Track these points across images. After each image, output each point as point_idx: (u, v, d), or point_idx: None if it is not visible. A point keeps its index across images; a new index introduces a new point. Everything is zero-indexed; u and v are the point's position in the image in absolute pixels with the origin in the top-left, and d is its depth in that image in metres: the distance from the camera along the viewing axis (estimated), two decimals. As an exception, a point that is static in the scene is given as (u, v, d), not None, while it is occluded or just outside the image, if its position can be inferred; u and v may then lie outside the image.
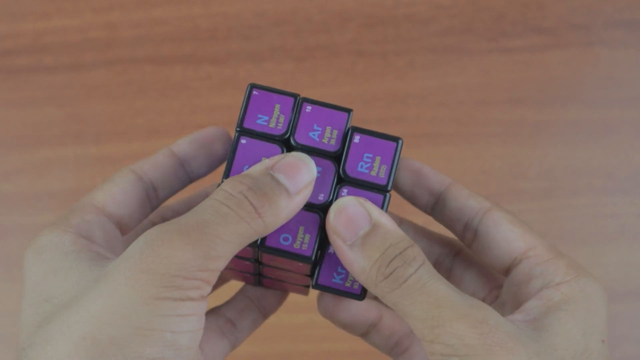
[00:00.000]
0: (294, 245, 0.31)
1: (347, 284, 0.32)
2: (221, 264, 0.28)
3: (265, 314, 0.37)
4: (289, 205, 0.30)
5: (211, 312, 0.36)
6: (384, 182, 0.33)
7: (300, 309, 0.59)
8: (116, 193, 0.33)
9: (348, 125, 0.33)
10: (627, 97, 0.63)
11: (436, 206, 0.36)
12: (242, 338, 0.36)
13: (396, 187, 0.36)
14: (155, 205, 0.35)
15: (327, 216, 0.31)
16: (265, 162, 0.30)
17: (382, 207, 0.32)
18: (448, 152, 0.62)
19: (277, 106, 0.32)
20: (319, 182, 0.32)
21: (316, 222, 0.31)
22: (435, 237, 0.37)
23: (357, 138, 0.33)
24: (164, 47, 0.64)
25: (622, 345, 0.59)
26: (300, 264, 0.31)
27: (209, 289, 0.28)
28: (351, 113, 0.33)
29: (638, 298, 0.60)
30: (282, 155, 0.31)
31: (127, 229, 0.34)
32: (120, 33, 0.65)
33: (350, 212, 0.31)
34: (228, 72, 0.64)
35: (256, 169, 0.30)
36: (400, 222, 0.37)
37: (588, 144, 0.62)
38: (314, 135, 0.32)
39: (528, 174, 0.62)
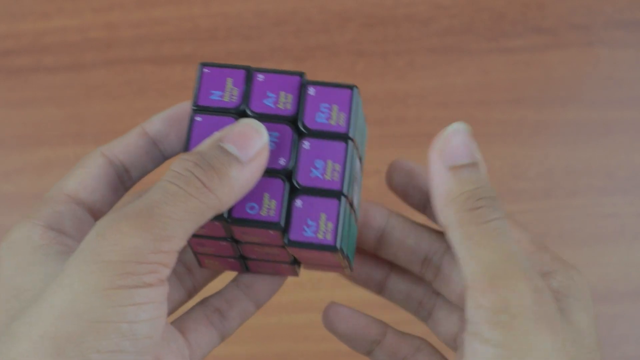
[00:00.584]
0: (261, 213, 0.31)
1: (320, 236, 0.31)
2: (175, 244, 0.28)
3: (257, 303, 0.36)
4: (243, 175, 0.29)
5: (199, 303, 0.35)
6: (344, 130, 0.32)
7: (300, 309, 0.59)
8: (87, 179, 0.32)
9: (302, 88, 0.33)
10: (627, 97, 0.63)
11: (428, 204, 0.36)
12: (232, 328, 0.35)
13: (390, 188, 0.36)
14: (129, 186, 0.34)
15: (438, 135, 0.31)
16: (215, 135, 0.30)
17: (345, 156, 0.32)
18: (448, 152, 0.62)
19: (230, 80, 0.32)
20: (278, 147, 0.31)
21: (281, 187, 0.31)
22: (425, 233, 0.37)
23: (311, 90, 0.32)
24: (164, 47, 0.64)
25: (622, 345, 0.59)
26: (271, 232, 0.31)
27: (167, 271, 0.28)
28: (304, 76, 0.33)
29: (638, 298, 0.60)
30: (231, 125, 0.30)
31: (100, 214, 0.33)
32: (120, 33, 0.65)
33: (459, 139, 0.31)
34: (228, 72, 0.64)
35: (205, 143, 0.30)
36: (390, 215, 0.36)
37: (588, 144, 0.63)
38: (269, 102, 0.32)
39: (528, 174, 0.62)
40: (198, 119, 0.32)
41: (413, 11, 0.65)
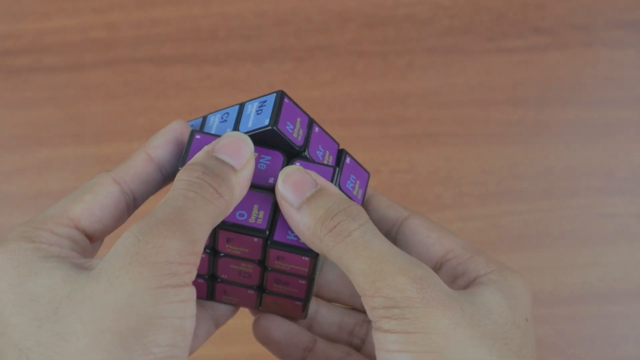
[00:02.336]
0: (249, 220, 0.33)
1: (302, 241, 0.33)
2: (202, 246, 0.30)
3: (217, 323, 0.38)
4: (239, 181, 0.31)
5: None
6: (359, 202, 0.35)
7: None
8: (95, 208, 0.33)
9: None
10: (627, 97, 0.63)
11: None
12: (195, 347, 0.37)
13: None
14: (130, 214, 0.35)
15: (276, 184, 0.32)
16: (205, 148, 0.32)
17: (332, 180, 0.34)
18: (448, 152, 0.62)
19: (299, 120, 0.34)
20: (268, 169, 0.34)
21: (269, 201, 0.33)
22: (348, 313, 0.39)
23: (348, 160, 0.36)
24: (164, 47, 0.64)
25: (622, 345, 0.59)
26: (255, 239, 0.33)
27: (195, 272, 0.30)
28: (339, 146, 0.37)
29: (638, 298, 0.60)
30: (219, 138, 0.32)
31: (96, 240, 0.34)
32: (121, 33, 0.65)
33: (297, 177, 0.32)
34: (228, 72, 0.64)
35: (199, 155, 0.32)
36: (317, 303, 0.39)
37: (588, 144, 0.63)
38: (319, 154, 0.35)
39: (528, 174, 0.62)
40: (197, 137, 0.34)
41: (413, 11, 0.65)
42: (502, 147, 0.62)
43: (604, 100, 0.63)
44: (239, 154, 0.32)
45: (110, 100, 0.63)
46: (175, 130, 0.35)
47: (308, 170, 0.32)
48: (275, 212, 0.33)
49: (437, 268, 0.35)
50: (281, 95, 0.34)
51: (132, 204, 0.35)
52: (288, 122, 0.34)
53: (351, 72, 0.64)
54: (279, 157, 0.34)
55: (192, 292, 0.29)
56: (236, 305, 0.38)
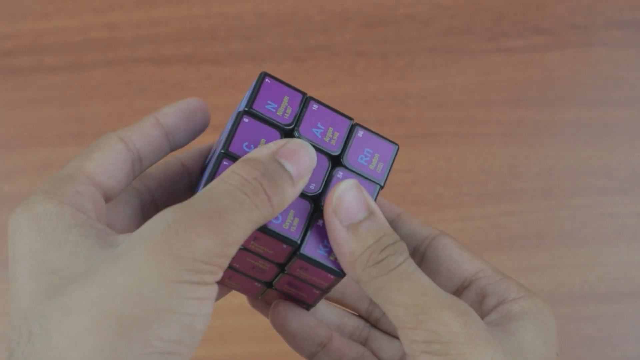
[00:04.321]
0: (283, 226, 0.32)
1: (332, 258, 0.32)
2: (235, 250, 0.29)
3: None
4: (292, 192, 0.31)
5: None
6: (379, 177, 0.34)
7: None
8: (106, 164, 0.32)
9: (349, 131, 0.34)
10: (627, 97, 0.64)
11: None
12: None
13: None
14: (137, 174, 0.35)
15: (329, 195, 0.32)
16: (271, 147, 0.31)
17: (372, 194, 0.33)
18: (448, 152, 0.62)
19: (286, 98, 0.33)
20: (312, 173, 0.33)
21: (307, 209, 0.32)
22: None
23: (360, 133, 0.34)
24: (164, 47, 0.64)
25: (622, 345, 0.59)
26: (284, 246, 0.32)
27: (222, 273, 0.29)
28: (353, 121, 0.35)
29: (638, 298, 0.60)
30: (285, 141, 0.31)
31: (110, 198, 0.33)
32: (121, 33, 0.65)
33: (352, 195, 0.31)
34: (228, 72, 0.64)
35: (262, 153, 0.31)
36: None
37: (588, 144, 0.63)
38: (317, 132, 0.33)
39: (528, 174, 0.62)
40: (246, 120, 0.33)
41: (413, 11, 0.65)
42: (502, 147, 0.62)
43: (604, 100, 0.63)
44: (301, 165, 0.31)
45: (110, 100, 0.63)
46: (190, 103, 0.35)
47: (362, 187, 0.32)
48: (310, 222, 0.32)
49: (465, 285, 0.35)
50: (261, 76, 0.33)
51: (137, 163, 0.34)
52: (269, 102, 0.33)
53: (351, 72, 0.64)
54: (324, 160, 0.33)
55: (212, 290, 0.28)
56: (236, 291, 0.37)
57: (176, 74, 0.64)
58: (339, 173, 0.33)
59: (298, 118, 0.33)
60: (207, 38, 0.64)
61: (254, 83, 0.33)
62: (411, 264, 0.31)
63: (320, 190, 0.33)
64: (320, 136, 0.33)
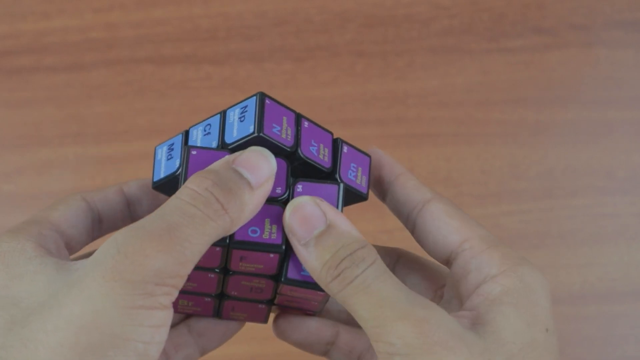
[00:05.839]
0: (263, 236, 0.31)
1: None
2: (189, 269, 0.28)
3: (202, 351, 0.37)
4: (252, 199, 0.30)
5: None
6: (364, 190, 0.34)
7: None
8: (69, 215, 0.34)
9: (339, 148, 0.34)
10: (627, 97, 0.63)
11: (387, 196, 0.36)
12: None
13: None
14: (98, 236, 0.36)
15: (284, 214, 0.31)
16: (226, 157, 0.31)
17: (337, 198, 0.33)
18: (448, 152, 0.62)
19: (284, 119, 0.33)
20: (274, 178, 0.32)
21: (280, 214, 0.32)
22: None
23: (345, 149, 0.34)
24: (164, 47, 0.64)
25: (622, 345, 0.59)
26: (271, 255, 0.32)
27: (176, 294, 0.28)
28: (333, 135, 0.34)
29: (638, 298, 0.60)
30: (242, 151, 0.31)
31: (72, 249, 0.34)
32: (121, 33, 0.65)
33: (306, 211, 0.31)
34: (228, 72, 0.64)
35: (218, 163, 0.30)
36: None
37: (588, 144, 0.63)
38: (313, 150, 0.33)
39: (528, 174, 0.62)
40: (193, 152, 0.32)
41: (413, 11, 0.65)
42: (502, 147, 0.62)
43: (604, 100, 0.63)
44: (259, 170, 0.30)
45: (110, 100, 0.63)
46: None
47: (318, 201, 0.31)
48: None
49: (452, 258, 0.33)
50: (261, 98, 0.32)
51: (97, 224, 0.35)
52: (274, 124, 0.32)
53: (351, 72, 0.64)
54: (283, 164, 0.33)
55: (166, 316, 0.28)
56: (244, 321, 0.37)
57: (176, 74, 0.64)
58: (298, 186, 0.33)
59: (297, 138, 0.33)
60: (207, 38, 0.64)
61: (252, 104, 0.32)
62: (370, 273, 0.30)
63: (286, 193, 0.33)
64: (316, 153, 0.33)
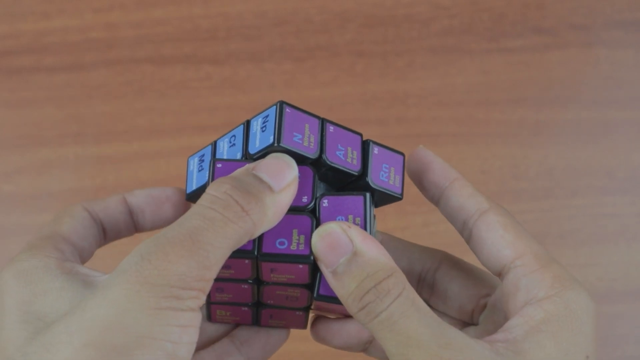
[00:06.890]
0: (291, 247, 0.31)
1: None
2: (214, 272, 0.28)
3: None
4: (274, 203, 0.30)
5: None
6: (398, 191, 0.34)
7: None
8: (77, 227, 0.34)
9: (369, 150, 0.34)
10: (627, 97, 0.64)
11: (441, 200, 0.35)
12: None
13: (409, 176, 0.37)
14: (100, 245, 0.36)
15: (311, 240, 0.31)
16: (247, 165, 0.31)
17: (364, 209, 0.32)
18: (448, 152, 0.62)
19: (307, 126, 0.33)
20: (300, 186, 0.32)
21: (308, 224, 0.32)
22: (416, 252, 0.37)
23: (375, 150, 0.34)
24: (164, 47, 0.64)
25: (622, 345, 0.59)
26: (300, 266, 0.31)
27: (204, 298, 0.28)
28: (362, 136, 0.34)
29: (638, 298, 0.60)
30: (263, 159, 0.31)
31: (84, 261, 0.34)
32: (121, 33, 0.65)
33: (333, 238, 0.30)
34: (228, 72, 0.64)
35: (238, 170, 0.30)
36: (380, 240, 0.37)
37: (588, 144, 0.63)
38: (340, 154, 0.33)
39: (528, 174, 0.62)
40: (219, 165, 0.32)
41: (413, 11, 0.65)
42: (502, 147, 0.62)
43: (604, 100, 0.63)
44: (279, 175, 0.30)
45: (110, 100, 0.63)
46: (163, 191, 0.36)
47: (344, 227, 0.31)
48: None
49: (504, 272, 0.33)
50: (281, 107, 0.32)
51: (101, 233, 0.35)
52: (295, 133, 0.32)
53: (351, 72, 0.64)
54: (309, 172, 0.32)
55: (195, 318, 0.28)
56: (284, 327, 0.37)
57: (176, 74, 0.64)
58: (324, 201, 0.32)
59: (321, 144, 0.33)
60: (207, 38, 0.64)
61: (272, 113, 0.32)
62: (396, 308, 0.29)
63: (312, 202, 0.32)
64: (343, 158, 0.33)
